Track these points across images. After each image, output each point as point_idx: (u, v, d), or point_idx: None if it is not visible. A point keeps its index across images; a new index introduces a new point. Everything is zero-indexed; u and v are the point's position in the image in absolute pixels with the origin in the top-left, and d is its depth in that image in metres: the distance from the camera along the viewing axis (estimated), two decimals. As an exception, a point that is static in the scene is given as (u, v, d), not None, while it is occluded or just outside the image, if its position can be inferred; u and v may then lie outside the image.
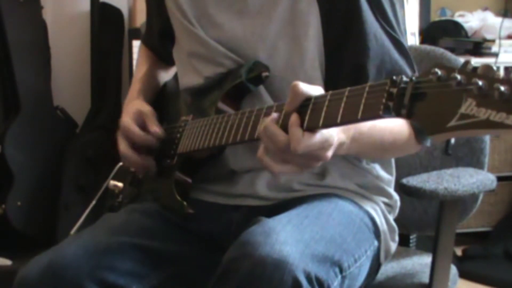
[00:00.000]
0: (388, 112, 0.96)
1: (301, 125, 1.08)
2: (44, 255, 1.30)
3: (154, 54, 1.66)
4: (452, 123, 0.86)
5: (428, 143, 1.33)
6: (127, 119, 1.46)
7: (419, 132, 1.29)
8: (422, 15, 3.54)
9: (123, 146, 1.46)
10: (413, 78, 0.93)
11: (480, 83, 0.83)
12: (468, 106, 0.85)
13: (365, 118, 1.01)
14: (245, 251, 1.11)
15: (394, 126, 1.26)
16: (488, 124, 0.83)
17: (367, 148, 1.24)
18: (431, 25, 3.69)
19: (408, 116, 0.92)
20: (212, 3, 1.41)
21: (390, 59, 1.31)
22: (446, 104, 0.87)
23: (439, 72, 0.89)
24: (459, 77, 0.86)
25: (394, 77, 0.95)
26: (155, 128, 1.43)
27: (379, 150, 1.29)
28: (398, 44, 1.33)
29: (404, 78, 0.94)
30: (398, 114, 0.94)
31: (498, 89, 0.82)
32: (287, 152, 1.09)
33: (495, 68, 0.85)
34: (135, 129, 1.44)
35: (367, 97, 1.00)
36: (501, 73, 0.84)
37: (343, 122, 1.04)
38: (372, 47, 1.30)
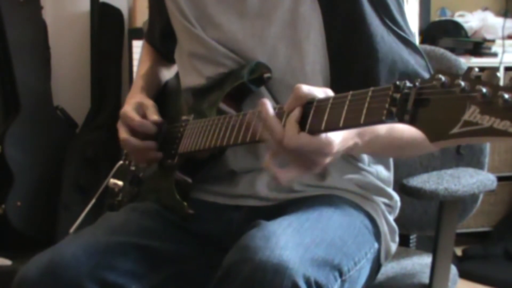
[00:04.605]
0: (391, 117, 0.95)
1: (303, 128, 1.08)
2: (43, 255, 1.29)
3: (156, 51, 1.66)
4: (455, 130, 0.86)
5: None
6: (127, 108, 1.47)
7: None
8: (422, 15, 3.54)
9: (122, 132, 1.46)
10: (417, 83, 0.93)
11: (484, 90, 0.83)
12: (472, 113, 0.84)
13: (368, 123, 1.00)
14: (245, 255, 1.11)
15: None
16: (492, 132, 0.82)
17: (384, 149, 1.24)
18: (431, 25, 3.69)
19: (411, 122, 0.92)
20: (212, 4, 1.41)
21: (401, 59, 1.30)
22: (449, 110, 0.86)
23: (443, 78, 0.88)
24: (463, 83, 0.85)
25: (398, 82, 0.95)
26: (155, 116, 1.44)
27: (397, 150, 1.29)
28: (409, 43, 1.32)
29: (408, 84, 0.94)
30: (401, 120, 0.94)
31: (502, 96, 0.81)
32: (282, 148, 1.09)
33: (498, 74, 0.84)
34: (134, 115, 1.44)
35: (370, 102, 0.99)
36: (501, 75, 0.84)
37: (345, 126, 1.04)
38: (381, 49, 1.29)
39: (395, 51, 1.30)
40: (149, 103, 1.48)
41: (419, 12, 3.46)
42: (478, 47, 3.47)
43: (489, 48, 3.47)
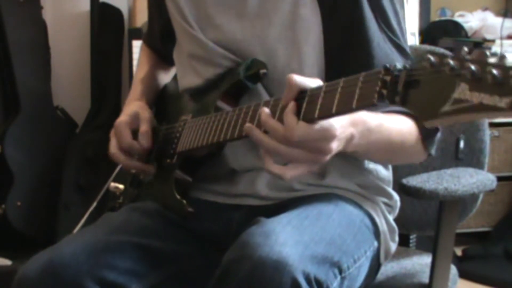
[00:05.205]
0: (382, 99, 0.96)
1: (298, 117, 1.08)
2: (43, 254, 1.30)
3: (155, 54, 1.66)
4: (446, 108, 0.86)
5: (433, 151, 1.31)
6: (122, 120, 1.46)
7: (426, 136, 1.28)
8: (422, 15, 3.54)
9: (112, 145, 1.46)
10: (407, 66, 0.93)
11: (473, 67, 0.83)
12: (462, 91, 0.84)
13: (360, 106, 1.01)
14: (245, 252, 1.11)
15: (403, 128, 1.24)
16: (481, 108, 0.83)
17: (375, 146, 1.22)
18: (431, 25, 3.69)
19: (402, 103, 0.93)
20: (212, 4, 1.41)
21: None
22: (439, 89, 0.87)
23: (432, 59, 0.89)
24: (452, 62, 0.86)
25: (388, 65, 0.96)
26: (144, 141, 1.43)
27: (388, 150, 1.27)
28: (403, 52, 1.33)
29: (398, 66, 0.95)
30: (392, 102, 0.95)
31: (491, 72, 0.81)
32: (287, 143, 1.08)
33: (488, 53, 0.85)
34: (126, 134, 1.44)
35: (361, 86, 1.00)
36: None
37: (338, 112, 1.04)
38: (376, 56, 1.29)
39: (390, 58, 1.30)
40: (145, 117, 1.46)
41: (419, 12, 3.46)
42: (478, 47, 3.48)
43: (489, 48, 3.48)
